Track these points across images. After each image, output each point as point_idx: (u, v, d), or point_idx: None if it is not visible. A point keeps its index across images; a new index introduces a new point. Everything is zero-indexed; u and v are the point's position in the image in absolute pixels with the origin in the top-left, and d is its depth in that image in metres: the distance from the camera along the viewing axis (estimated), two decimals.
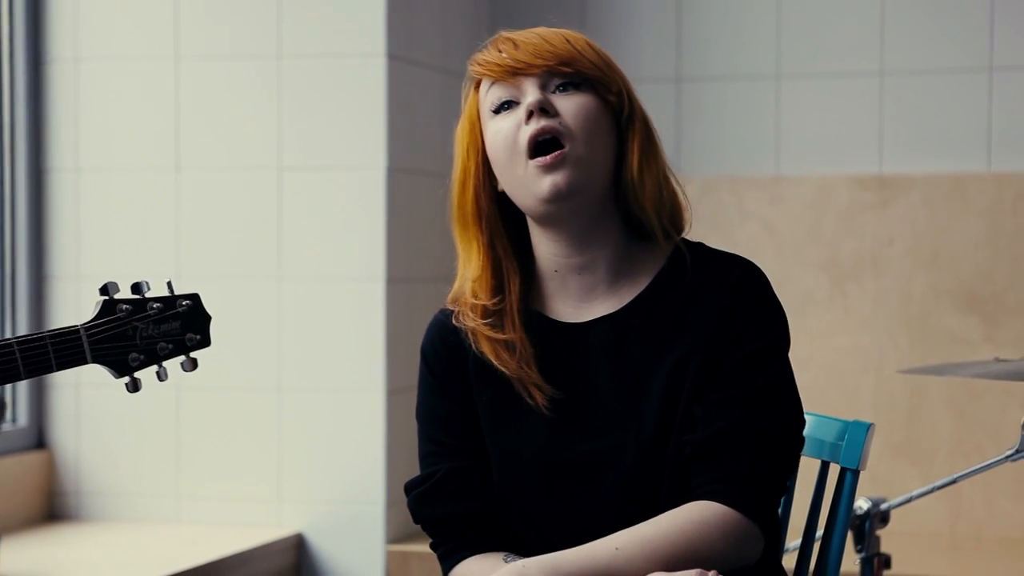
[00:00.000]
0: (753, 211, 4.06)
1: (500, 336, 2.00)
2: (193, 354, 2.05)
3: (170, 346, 2.02)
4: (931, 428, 3.91)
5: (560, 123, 1.95)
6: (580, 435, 1.97)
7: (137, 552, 3.55)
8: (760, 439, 1.91)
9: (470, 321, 2.02)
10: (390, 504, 3.74)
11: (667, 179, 2.02)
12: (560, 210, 1.97)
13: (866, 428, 2.14)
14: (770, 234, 4.04)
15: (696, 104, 4.18)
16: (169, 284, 2.05)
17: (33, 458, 3.84)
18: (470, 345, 2.02)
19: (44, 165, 3.88)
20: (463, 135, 2.04)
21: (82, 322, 1.98)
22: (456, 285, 2.07)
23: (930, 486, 2.81)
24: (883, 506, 2.77)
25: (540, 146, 1.95)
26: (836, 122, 4.06)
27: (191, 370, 2.04)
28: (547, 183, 1.94)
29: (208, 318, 2.06)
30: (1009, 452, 2.70)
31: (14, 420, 3.86)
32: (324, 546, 3.77)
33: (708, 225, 4.02)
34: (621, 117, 2.00)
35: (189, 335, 2.03)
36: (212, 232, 3.80)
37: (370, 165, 3.72)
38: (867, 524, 2.77)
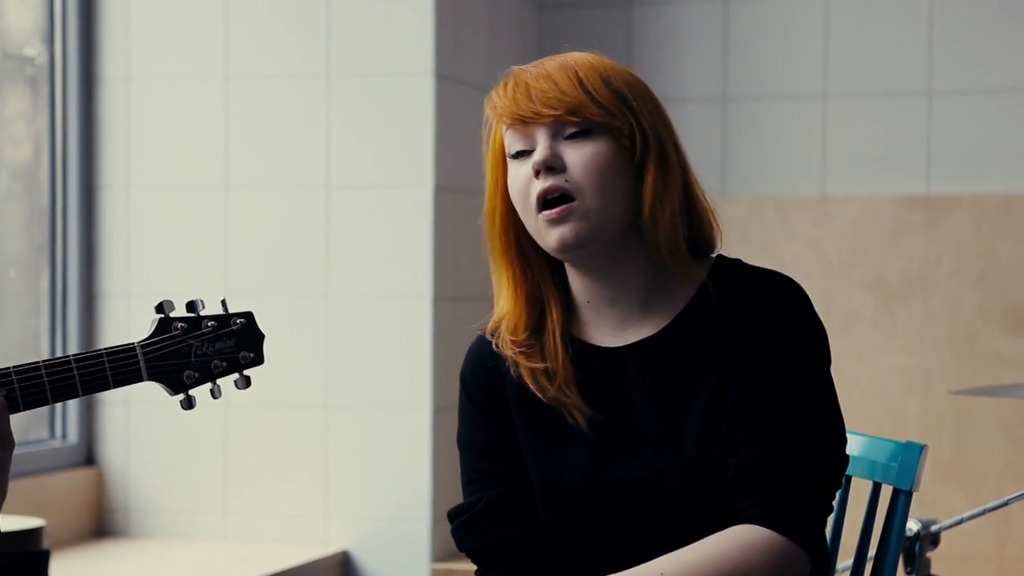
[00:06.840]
0: (799, 231, 4.05)
1: (539, 365, 2.00)
2: (247, 372, 2.06)
3: (224, 364, 2.03)
4: (979, 450, 3.88)
5: (567, 179, 1.94)
6: (621, 459, 1.97)
7: (184, 569, 3.57)
8: (804, 461, 1.90)
9: (508, 349, 2.03)
10: (436, 522, 3.75)
11: (687, 209, 1.98)
12: (574, 257, 1.98)
13: (920, 449, 2.13)
14: (816, 254, 4.03)
15: (742, 124, 4.17)
16: (223, 303, 2.05)
17: (83, 474, 3.86)
18: (508, 369, 2.02)
19: (95, 182, 3.91)
20: (490, 170, 2.06)
21: (138, 340, 1.99)
22: (496, 311, 2.08)
23: (981, 508, 2.80)
24: (933, 528, 2.76)
25: (549, 203, 1.95)
26: (883, 142, 4.05)
27: (244, 388, 2.05)
28: (554, 236, 1.95)
29: (262, 336, 2.06)
30: None
31: (64, 436, 3.89)
32: (370, 563, 3.78)
33: (754, 245, 4.01)
34: (635, 157, 1.96)
35: (243, 353, 2.04)
36: (260, 250, 3.82)
37: (417, 184, 3.73)
38: (917, 546, 2.76)
